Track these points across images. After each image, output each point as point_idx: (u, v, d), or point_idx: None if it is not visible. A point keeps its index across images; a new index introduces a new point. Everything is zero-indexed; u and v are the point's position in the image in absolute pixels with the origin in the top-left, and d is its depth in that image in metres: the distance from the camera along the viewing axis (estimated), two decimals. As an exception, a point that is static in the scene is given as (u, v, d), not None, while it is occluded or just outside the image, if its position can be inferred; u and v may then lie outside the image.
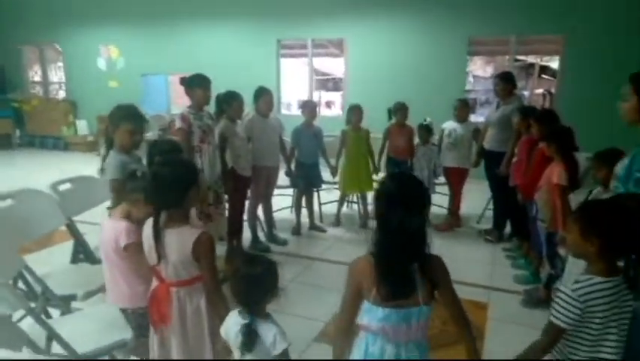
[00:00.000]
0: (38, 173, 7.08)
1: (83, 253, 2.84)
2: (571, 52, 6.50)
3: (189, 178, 1.83)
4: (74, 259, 2.84)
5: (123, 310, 2.11)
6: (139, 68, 8.98)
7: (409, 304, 1.44)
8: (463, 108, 4.75)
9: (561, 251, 3.22)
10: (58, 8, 9.53)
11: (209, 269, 1.79)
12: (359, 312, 1.53)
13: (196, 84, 3.39)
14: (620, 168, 2.07)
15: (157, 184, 1.80)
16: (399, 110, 4.84)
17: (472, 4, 6.81)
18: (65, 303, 2.35)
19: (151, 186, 1.83)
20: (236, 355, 1.54)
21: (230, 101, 3.75)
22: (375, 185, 4.90)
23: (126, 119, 2.56)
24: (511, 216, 4.36)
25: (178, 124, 3.35)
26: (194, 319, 1.84)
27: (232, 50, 8.30)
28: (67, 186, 2.87)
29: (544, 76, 12.47)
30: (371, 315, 1.47)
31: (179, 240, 1.77)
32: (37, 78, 11.00)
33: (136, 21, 8.99)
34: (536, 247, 3.58)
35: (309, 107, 4.67)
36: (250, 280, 1.54)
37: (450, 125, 4.77)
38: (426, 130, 4.78)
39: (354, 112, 4.71)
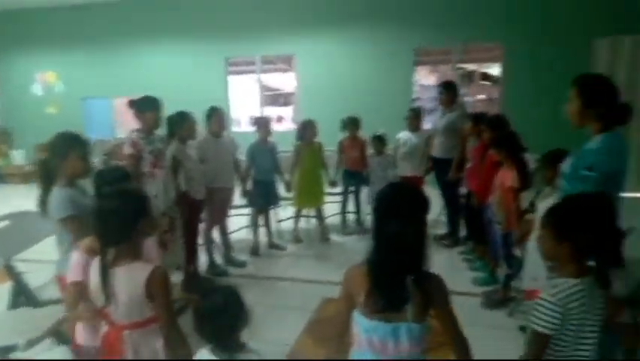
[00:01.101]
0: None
1: (23, 295, 2.63)
2: (510, 59, 6.82)
3: (138, 210, 1.68)
4: (15, 304, 2.61)
5: (84, 349, 1.94)
6: (79, 92, 8.61)
7: (398, 318, 1.40)
8: (416, 118, 4.84)
9: (517, 252, 3.32)
10: (-13, 33, 8.99)
11: (165, 308, 1.64)
12: (350, 320, 1.51)
13: (146, 107, 3.25)
14: (565, 166, 2.17)
15: (102, 218, 1.64)
16: (349, 124, 4.91)
17: (417, 16, 7.04)
18: (4, 355, 2.15)
19: (96, 220, 1.67)
20: None
21: (181, 123, 3.63)
22: (325, 198, 4.95)
23: (75, 145, 2.32)
24: (467, 220, 4.47)
25: (127, 150, 3.19)
26: None
27: (178, 69, 8.12)
28: (5, 223, 2.66)
29: (483, 82, 13.06)
30: (359, 324, 1.46)
31: (130, 277, 1.62)
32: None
33: (74, 44, 8.62)
34: (492, 249, 3.67)
35: (263, 124, 4.61)
36: (214, 314, 1.45)
37: (405, 135, 4.85)
38: (379, 141, 4.84)
39: (309, 127, 4.69)
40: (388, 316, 1.40)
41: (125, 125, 8.31)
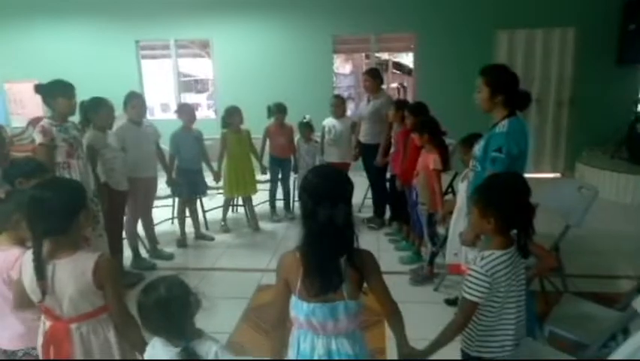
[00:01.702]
0: None
1: None
2: (422, 48, 7.19)
3: (78, 200, 1.60)
4: None
5: (12, 354, 1.80)
6: (-38, 76, 7.58)
7: (335, 298, 1.45)
8: (340, 104, 4.94)
9: (440, 230, 3.57)
10: None
11: (115, 295, 1.61)
12: (288, 306, 1.53)
13: (57, 92, 2.98)
14: (477, 149, 2.40)
15: (38, 210, 1.53)
16: (277, 113, 4.90)
17: (335, 4, 7.10)
18: None
19: (30, 213, 1.55)
20: None
21: (98, 109, 3.37)
22: (258, 186, 4.92)
23: None
24: (391, 202, 4.68)
25: (38, 139, 2.91)
26: (103, 355, 1.63)
27: (83, 51, 7.44)
28: None
29: (395, 71, 13.61)
30: (297, 309, 1.49)
31: (74, 268, 1.55)
32: None
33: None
34: (416, 229, 3.90)
35: (186, 111, 4.43)
36: (160, 306, 1.39)
37: (329, 121, 4.93)
38: (307, 127, 4.88)
39: (235, 114, 4.59)
40: (325, 297, 1.44)
41: (22, 112, 7.53)
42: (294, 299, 1.50)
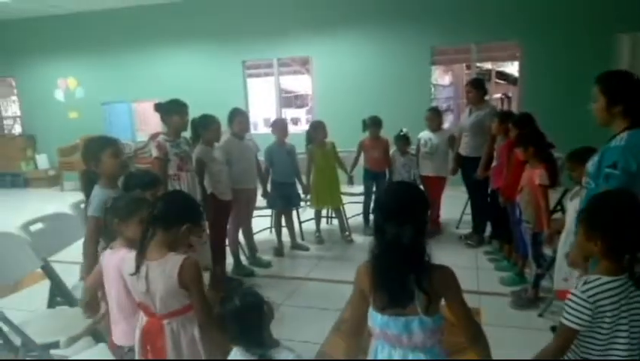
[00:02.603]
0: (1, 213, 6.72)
1: (60, 295, 2.68)
2: (528, 57, 6.76)
3: (188, 213, 1.79)
4: (51, 303, 2.68)
5: (119, 349, 1.99)
6: (99, 97, 8.74)
7: (409, 312, 1.42)
8: (435, 117, 4.83)
9: (546, 251, 3.29)
10: (10, 41, 9.19)
11: (198, 295, 1.73)
12: (365, 316, 1.54)
13: (173, 110, 3.31)
14: (590, 165, 2.15)
15: (156, 209, 1.74)
16: (372, 126, 4.90)
17: (433, 15, 7.01)
18: (45, 352, 2.20)
19: (152, 214, 1.76)
20: None
21: (207, 126, 3.66)
22: (344, 198, 4.96)
23: (104, 146, 2.45)
24: (493, 219, 4.43)
25: (154, 153, 3.24)
26: (189, 350, 1.76)
27: (197, 73, 8.21)
28: (38, 225, 2.72)
29: (498, 81, 12.94)
30: (373, 319, 1.49)
31: (163, 269, 1.70)
32: (-11, 114, 10.55)
33: (95, 50, 8.77)
34: (520, 248, 3.64)
35: (279, 126, 4.62)
36: (236, 316, 1.49)
37: (425, 134, 4.84)
38: (404, 140, 4.83)
39: (319, 129, 4.70)
40: (399, 311, 1.42)
41: (145, 128, 8.45)
42: (370, 310, 1.50)
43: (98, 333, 2.39)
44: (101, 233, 2.27)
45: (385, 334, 1.47)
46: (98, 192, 2.36)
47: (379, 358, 1.53)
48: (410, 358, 1.47)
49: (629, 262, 1.48)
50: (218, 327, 1.67)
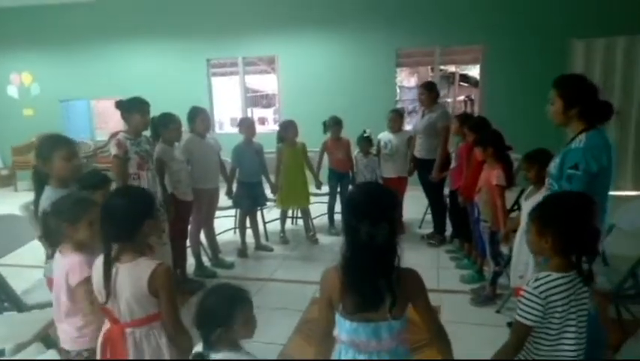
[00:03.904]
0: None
1: (7, 300, 2.56)
2: (490, 60, 6.95)
3: (144, 210, 1.69)
4: (-1, 309, 2.55)
5: (67, 354, 1.91)
6: (57, 94, 8.40)
7: (377, 318, 1.41)
8: (397, 119, 4.87)
9: (503, 248, 3.39)
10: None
11: (168, 304, 1.66)
12: (333, 321, 1.51)
13: (134, 108, 3.22)
14: (552, 167, 2.22)
15: (108, 216, 1.66)
16: (333, 126, 4.92)
17: (399, 17, 7.09)
18: (-10, 361, 2.10)
19: (102, 218, 1.68)
20: None
21: (167, 124, 3.58)
22: (310, 199, 4.96)
23: (56, 147, 2.31)
24: (453, 218, 4.53)
25: (114, 151, 3.14)
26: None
27: (159, 71, 8.01)
28: (-15, 227, 2.59)
29: (462, 84, 13.26)
30: (340, 327, 1.47)
31: (133, 274, 1.63)
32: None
33: (51, 45, 8.41)
34: (478, 247, 3.73)
35: (246, 125, 4.57)
36: (201, 309, 1.48)
37: (385, 136, 4.88)
38: (367, 141, 4.86)
39: (290, 128, 4.69)
40: (367, 316, 1.40)
41: (105, 127, 8.20)
42: (337, 316, 1.48)
43: (49, 339, 2.29)
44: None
45: (353, 341, 1.45)
46: (49, 192, 2.24)
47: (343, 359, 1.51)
48: (375, 358, 1.46)
49: (577, 258, 1.53)
50: (186, 336, 1.66)
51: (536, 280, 1.52)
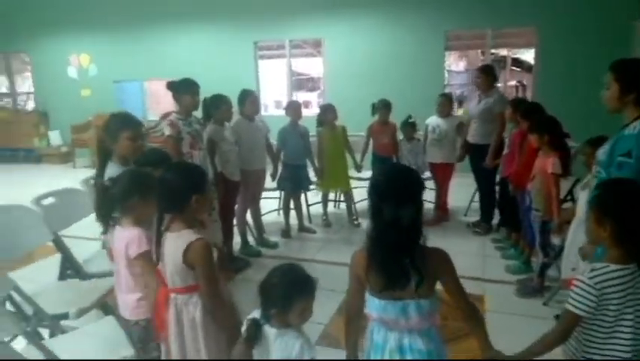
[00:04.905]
0: (13, 187, 6.82)
1: (71, 268, 2.74)
2: (545, 44, 6.62)
3: (193, 184, 1.74)
4: (62, 276, 2.73)
5: (126, 322, 2.03)
6: (112, 75, 8.75)
7: (405, 296, 1.44)
8: (446, 103, 4.77)
9: (554, 240, 3.28)
10: (25, 17, 9.19)
11: (204, 278, 1.68)
12: (364, 301, 1.55)
13: (185, 90, 3.32)
14: (601, 153, 2.12)
15: (161, 188, 1.76)
16: (382, 109, 4.85)
17: (448, -1, 6.86)
18: (55, 323, 2.25)
19: (157, 190, 1.79)
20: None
21: (218, 105, 3.67)
22: (352, 182, 4.94)
23: (124, 127, 2.44)
24: (501, 207, 4.41)
25: (167, 131, 3.26)
26: (190, 331, 1.75)
27: (208, 53, 8.17)
28: (51, 200, 2.76)
29: (514, 68, 12.72)
30: (370, 304, 1.51)
31: (174, 244, 1.70)
32: (3, 89, 10.60)
33: (108, 27, 8.75)
34: (528, 237, 3.62)
35: (293, 107, 4.61)
36: (267, 284, 1.51)
37: (434, 120, 4.79)
38: (410, 127, 4.80)
39: (328, 111, 4.68)
40: (396, 294, 1.43)
41: (156, 107, 8.47)
42: (367, 295, 1.52)
43: (107, 306, 2.44)
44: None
45: (382, 318, 1.49)
46: (111, 168, 2.37)
47: (375, 339, 1.56)
48: (406, 340, 1.49)
49: (638, 251, 1.46)
50: (223, 310, 1.71)
51: (592, 270, 1.47)
